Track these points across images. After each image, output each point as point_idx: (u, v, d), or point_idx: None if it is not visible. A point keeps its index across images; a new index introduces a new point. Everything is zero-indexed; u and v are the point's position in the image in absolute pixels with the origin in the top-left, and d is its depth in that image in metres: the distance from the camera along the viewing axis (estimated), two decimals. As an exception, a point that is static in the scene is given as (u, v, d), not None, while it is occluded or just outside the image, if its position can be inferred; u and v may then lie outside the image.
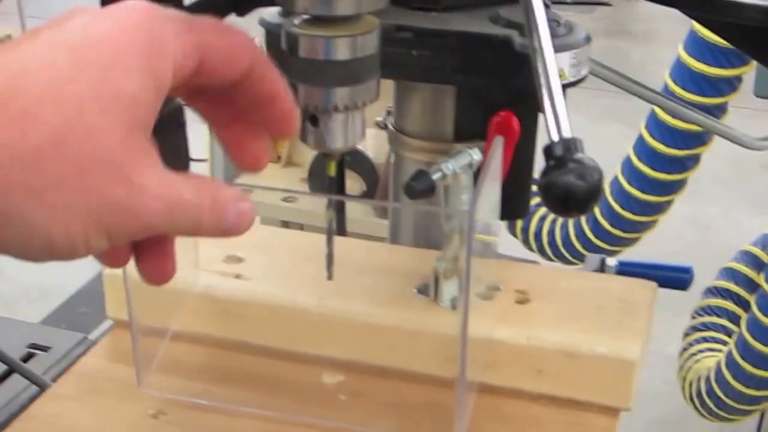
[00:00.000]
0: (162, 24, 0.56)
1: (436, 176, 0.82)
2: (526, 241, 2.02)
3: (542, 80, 0.71)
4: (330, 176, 0.82)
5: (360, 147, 2.13)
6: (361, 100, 0.75)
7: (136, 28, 0.55)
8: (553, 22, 0.85)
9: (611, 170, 1.88)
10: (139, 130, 0.54)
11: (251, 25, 0.92)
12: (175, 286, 0.89)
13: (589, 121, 4.63)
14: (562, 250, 1.95)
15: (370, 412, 0.85)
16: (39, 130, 0.50)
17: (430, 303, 0.88)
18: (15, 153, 0.50)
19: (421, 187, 0.81)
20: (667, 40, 5.10)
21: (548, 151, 0.67)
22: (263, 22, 0.91)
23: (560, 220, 1.96)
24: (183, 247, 0.89)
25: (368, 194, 2.17)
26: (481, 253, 0.76)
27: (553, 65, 0.72)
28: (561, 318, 0.87)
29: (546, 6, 0.93)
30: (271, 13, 0.91)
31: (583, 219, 1.92)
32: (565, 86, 0.84)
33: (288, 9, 0.74)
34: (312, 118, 0.76)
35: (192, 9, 0.77)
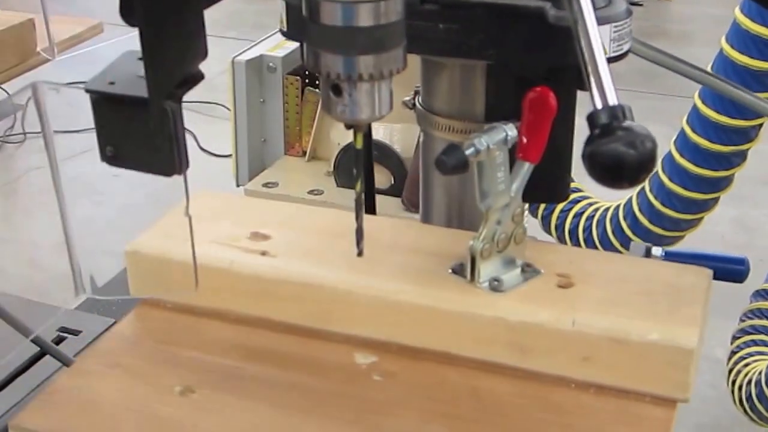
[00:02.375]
0: None
1: (469, 151, 0.77)
2: (561, 239, 1.97)
3: (584, 48, 0.66)
4: (356, 149, 0.78)
5: (387, 141, 2.11)
6: (387, 68, 0.72)
7: None
8: (592, -6, 0.81)
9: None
10: None
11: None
12: (201, 263, 0.86)
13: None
14: (599, 248, 1.90)
15: (405, 394, 0.81)
16: None
17: (466, 283, 0.84)
18: None
19: (453, 162, 0.76)
20: (703, 41, 5.04)
21: (592, 119, 0.62)
22: (284, -5, 0.87)
23: (597, 216, 1.90)
24: (206, 224, 0.86)
25: (396, 187, 2.14)
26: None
27: (596, 32, 0.67)
28: (607, 303, 0.82)
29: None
30: (292, -15, 0.87)
31: (621, 216, 1.86)
32: (607, 61, 0.79)
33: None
34: (335, 88, 0.72)
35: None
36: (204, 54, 0.74)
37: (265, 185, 2.22)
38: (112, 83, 0.71)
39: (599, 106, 0.62)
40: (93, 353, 0.88)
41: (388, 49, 0.71)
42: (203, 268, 0.86)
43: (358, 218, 0.79)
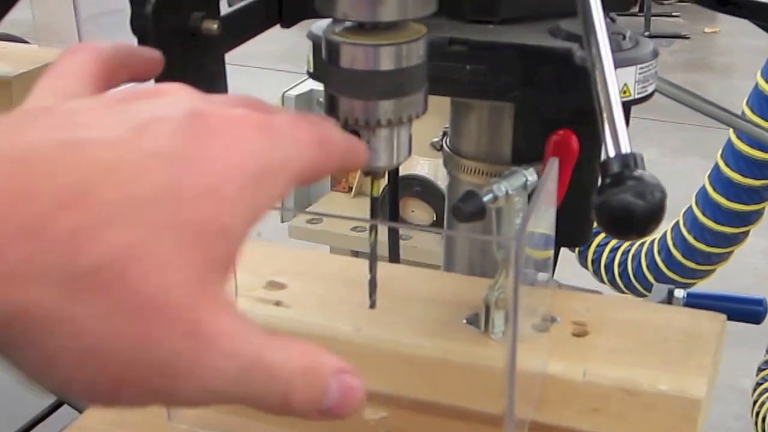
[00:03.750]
0: (278, 150, 0.49)
1: (486, 198, 0.76)
2: (597, 273, 1.95)
3: (599, 91, 0.65)
4: (372, 197, 0.77)
5: (431, 177, 2.09)
6: (407, 114, 0.70)
7: (251, 155, 0.47)
8: (617, 35, 0.80)
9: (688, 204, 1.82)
10: (218, 270, 0.45)
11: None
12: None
13: (666, 155, 4.55)
14: (634, 282, 1.89)
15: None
16: (94, 252, 0.41)
17: (480, 335, 0.82)
18: (58, 277, 0.40)
19: (470, 209, 0.75)
20: (746, 73, 5.00)
21: (604, 167, 0.61)
22: (311, 35, 0.87)
23: (632, 251, 1.89)
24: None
25: (438, 225, 2.13)
26: (535, 281, 0.70)
27: (612, 75, 0.65)
28: (620, 352, 0.80)
29: (611, 20, 0.87)
30: (318, 25, 0.86)
31: (656, 250, 1.85)
32: (630, 103, 0.79)
33: (328, 15, 0.69)
34: (353, 134, 0.71)
35: (231, 17, 0.73)
36: (224, 97, 0.74)
37: (309, 221, 2.22)
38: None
39: (611, 154, 0.61)
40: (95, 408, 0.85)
41: (409, 93, 0.70)
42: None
43: (372, 270, 0.77)
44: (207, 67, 0.71)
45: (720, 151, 1.75)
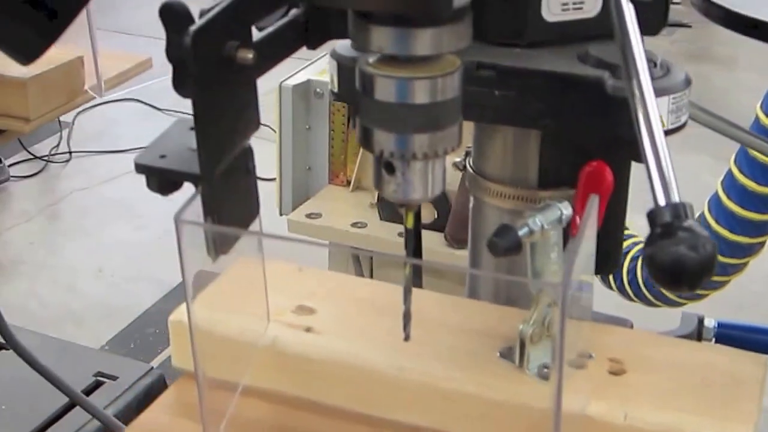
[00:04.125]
0: None
1: (522, 232, 0.75)
2: (605, 280, 1.94)
3: (644, 133, 0.64)
4: (407, 228, 0.76)
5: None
6: (442, 147, 0.70)
7: None
8: (648, 62, 0.79)
9: (696, 204, 1.79)
10: None
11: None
12: (245, 338, 0.84)
13: (672, 151, 4.53)
14: (644, 290, 1.86)
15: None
16: None
17: (515, 369, 0.81)
18: None
19: (506, 245, 0.74)
20: (750, 65, 4.98)
21: (654, 216, 0.60)
22: (335, 54, 0.86)
23: (642, 258, 1.86)
24: (254, 295, 0.84)
25: (439, 222, 2.12)
26: (574, 316, 0.69)
27: (656, 115, 0.65)
28: (661, 394, 0.79)
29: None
30: (342, 45, 0.86)
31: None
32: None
33: (362, 47, 0.68)
34: (388, 166, 0.70)
35: (262, 43, 0.72)
36: (257, 125, 0.73)
37: (309, 216, 2.21)
38: (163, 156, 0.70)
39: (661, 203, 0.60)
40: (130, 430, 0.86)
41: (444, 127, 0.69)
42: (245, 343, 0.84)
43: (406, 301, 0.77)
44: (240, 95, 0.71)
45: (733, 157, 1.73)
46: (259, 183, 0.77)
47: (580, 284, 0.71)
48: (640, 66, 0.66)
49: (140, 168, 0.70)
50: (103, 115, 4.28)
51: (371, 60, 0.69)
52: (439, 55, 0.69)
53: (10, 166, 3.93)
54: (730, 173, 1.73)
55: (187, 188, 0.69)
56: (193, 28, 0.63)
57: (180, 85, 0.67)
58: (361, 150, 2.18)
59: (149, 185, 0.71)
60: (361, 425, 0.83)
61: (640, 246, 1.83)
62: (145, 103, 4.35)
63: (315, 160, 2.30)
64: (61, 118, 3.37)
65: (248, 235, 0.75)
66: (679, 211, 0.60)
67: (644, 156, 0.63)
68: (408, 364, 0.82)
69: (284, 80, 2.21)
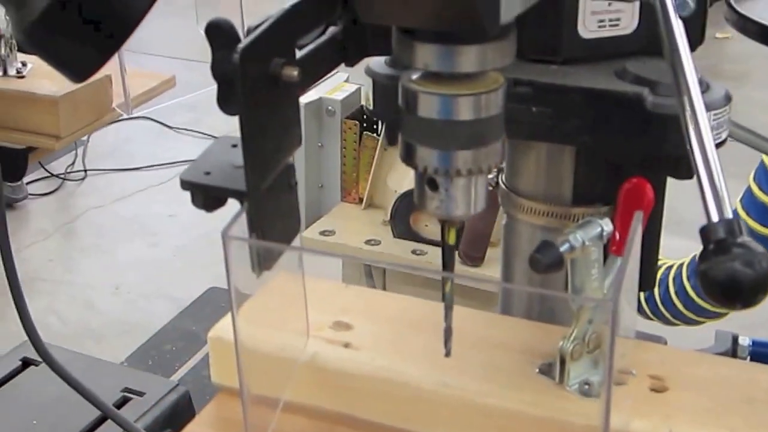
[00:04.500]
0: None
1: (563, 248, 0.75)
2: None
3: (696, 148, 0.64)
4: (449, 245, 0.76)
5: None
6: (485, 163, 0.70)
7: None
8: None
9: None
10: None
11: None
12: (285, 354, 0.84)
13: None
14: (662, 309, 1.85)
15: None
16: None
17: (555, 386, 0.81)
18: None
19: (548, 261, 0.74)
20: (760, 82, 4.97)
21: (707, 233, 0.60)
22: (370, 72, 0.86)
23: (659, 275, 1.86)
24: (294, 311, 0.84)
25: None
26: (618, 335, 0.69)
27: (708, 130, 0.65)
28: (704, 412, 0.79)
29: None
30: (377, 62, 0.86)
31: (684, 275, 1.82)
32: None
33: (406, 64, 0.69)
34: (431, 182, 0.70)
35: (304, 61, 0.72)
36: (299, 141, 0.73)
37: (322, 233, 2.21)
38: (207, 173, 0.70)
39: (715, 219, 0.60)
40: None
41: (487, 143, 0.69)
42: (285, 359, 0.84)
43: (447, 318, 0.77)
44: (284, 112, 0.71)
45: (752, 175, 1.72)
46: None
47: (625, 307, 0.71)
48: (690, 81, 0.66)
49: (186, 185, 0.70)
50: (117, 133, 4.29)
51: (414, 77, 0.69)
52: (483, 72, 0.69)
53: (27, 183, 3.94)
54: (749, 191, 1.73)
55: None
56: (241, 45, 0.63)
57: (225, 102, 0.67)
58: (374, 168, 2.18)
59: (194, 202, 0.71)
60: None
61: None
62: (157, 121, 4.37)
63: (327, 177, 2.30)
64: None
65: (293, 250, 0.75)
66: (733, 227, 0.59)
67: (696, 171, 0.63)
68: (449, 379, 0.82)
69: (297, 98, 2.21)
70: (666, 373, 0.83)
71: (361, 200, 2.27)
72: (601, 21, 0.83)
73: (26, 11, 0.59)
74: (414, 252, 2.12)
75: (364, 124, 2.19)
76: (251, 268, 0.70)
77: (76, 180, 4.09)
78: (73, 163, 4.09)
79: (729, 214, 0.60)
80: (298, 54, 0.73)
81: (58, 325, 3.13)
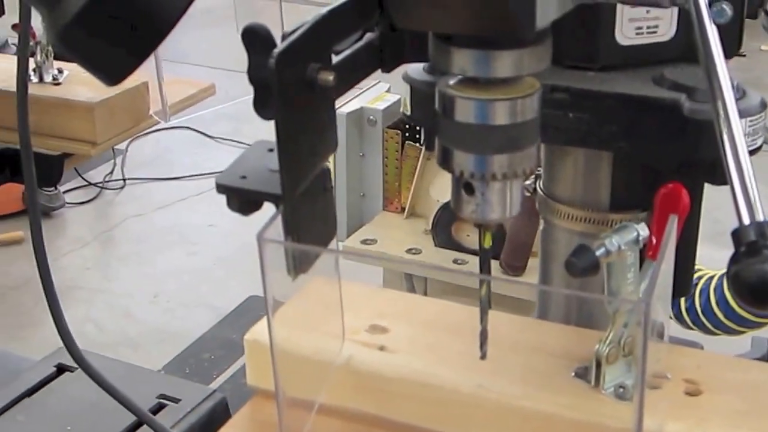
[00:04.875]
0: None
1: (599, 252, 0.75)
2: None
3: (729, 152, 0.64)
4: (485, 249, 0.76)
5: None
6: (521, 168, 0.70)
7: None
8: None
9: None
10: None
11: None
12: (321, 356, 0.85)
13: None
14: (702, 318, 1.84)
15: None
16: None
17: (591, 389, 0.81)
18: None
19: (584, 264, 0.74)
20: (803, 95, 4.93)
21: (739, 235, 0.60)
22: (407, 78, 0.87)
23: (700, 284, 1.85)
24: (330, 315, 0.84)
25: (494, 249, 2.10)
26: (652, 337, 0.69)
27: (741, 134, 0.64)
28: (738, 415, 0.78)
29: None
30: (414, 68, 0.87)
31: (726, 285, 1.81)
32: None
33: (443, 69, 0.69)
34: (467, 186, 0.71)
35: (340, 66, 0.73)
36: (335, 145, 0.74)
37: (364, 242, 2.21)
38: (243, 177, 0.71)
39: (746, 221, 0.60)
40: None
41: (523, 147, 0.69)
42: (320, 362, 0.84)
43: (483, 321, 0.77)
44: (320, 116, 0.71)
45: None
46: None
47: (659, 311, 0.71)
48: (724, 86, 0.66)
49: (221, 188, 0.71)
50: (157, 142, 4.32)
51: (451, 82, 0.70)
52: (519, 77, 0.69)
53: (65, 192, 3.96)
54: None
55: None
56: (277, 50, 0.64)
57: (262, 106, 0.67)
58: (416, 177, 2.18)
59: (230, 205, 0.71)
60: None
61: (698, 274, 1.81)
62: (197, 131, 4.39)
63: (369, 186, 2.31)
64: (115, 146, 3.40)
65: (328, 252, 0.75)
66: (764, 229, 0.59)
67: (728, 174, 0.63)
68: (483, 382, 0.82)
69: (338, 108, 2.21)
70: (701, 378, 0.83)
71: (402, 209, 2.28)
72: (639, 28, 0.83)
73: (60, 13, 0.59)
74: (455, 261, 2.12)
75: (406, 134, 2.20)
76: (287, 271, 0.70)
77: (114, 189, 4.10)
78: (111, 172, 4.11)
79: (760, 217, 0.60)
80: (335, 59, 0.73)
81: (95, 333, 3.14)
